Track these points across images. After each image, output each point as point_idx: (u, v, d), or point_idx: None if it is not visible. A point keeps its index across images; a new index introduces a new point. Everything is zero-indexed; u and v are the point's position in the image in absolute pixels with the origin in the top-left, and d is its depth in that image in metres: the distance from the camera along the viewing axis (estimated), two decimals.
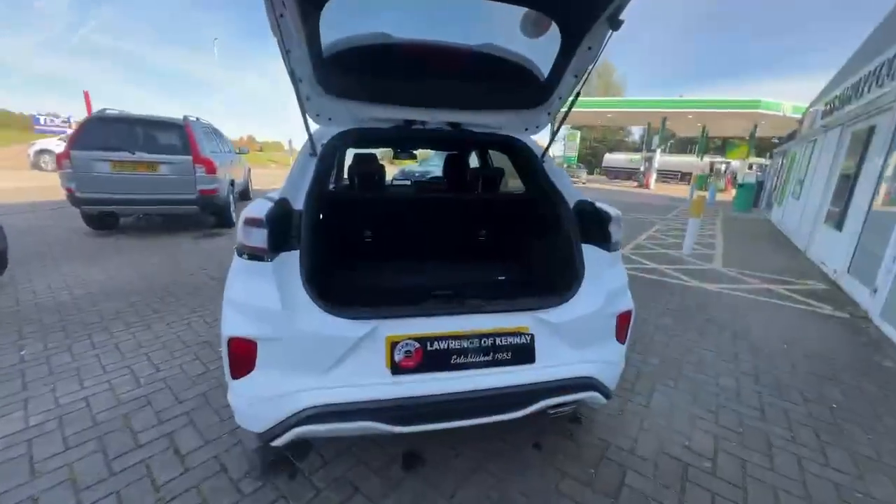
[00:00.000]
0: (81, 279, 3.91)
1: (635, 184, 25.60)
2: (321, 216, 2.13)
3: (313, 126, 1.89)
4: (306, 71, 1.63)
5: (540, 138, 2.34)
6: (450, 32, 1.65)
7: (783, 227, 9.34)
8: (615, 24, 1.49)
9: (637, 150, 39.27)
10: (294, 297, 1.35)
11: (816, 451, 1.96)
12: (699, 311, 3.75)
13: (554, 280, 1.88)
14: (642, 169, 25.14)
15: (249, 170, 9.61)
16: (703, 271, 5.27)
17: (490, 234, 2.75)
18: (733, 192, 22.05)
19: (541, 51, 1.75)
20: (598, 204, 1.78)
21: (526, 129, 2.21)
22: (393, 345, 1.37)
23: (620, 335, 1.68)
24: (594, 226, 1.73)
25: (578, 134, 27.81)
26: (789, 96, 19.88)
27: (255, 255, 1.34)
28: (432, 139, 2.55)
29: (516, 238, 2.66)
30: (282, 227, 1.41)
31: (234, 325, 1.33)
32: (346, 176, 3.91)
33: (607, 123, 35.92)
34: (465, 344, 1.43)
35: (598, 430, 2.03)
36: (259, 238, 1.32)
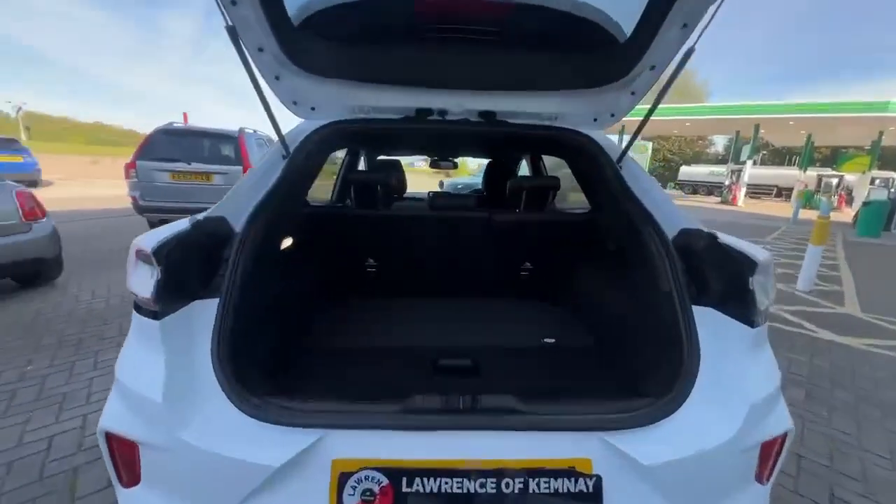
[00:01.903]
0: (124, 288, 3.93)
1: (717, 199, 22.66)
2: (287, 242, 1.61)
3: (291, 120, 1.42)
4: (269, 37, 1.12)
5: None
6: None
7: None
8: None
9: (721, 161, 35.15)
10: (193, 380, 0.86)
11: None
12: (844, 381, 2.66)
13: (640, 370, 1.19)
14: (728, 183, 22.18)
15: None
16: (834, 318, 4.00)
17: (537, 269, 2.08)
18: (847, 210, 18.43)
19: None
20: (725, 238, 1.05)
21: (595, 120, 1.52)
22: (342, 478, 0.80)
23: (764, 471, 0.94)
24: (720, 276, 1.03)
25: (650, 145, 25.31)
26: None
27: (142, 308, 0.87)
28: (455, 137, 1.85)
29: (577, 280, 1.96)
30: (192, 264, 0.93)
31: (110, 414, 0.87)
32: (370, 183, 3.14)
33: (684, 133, 32.54)
34: (474, 485, 0.81)
35: None
36: (143, 282, 0.84)
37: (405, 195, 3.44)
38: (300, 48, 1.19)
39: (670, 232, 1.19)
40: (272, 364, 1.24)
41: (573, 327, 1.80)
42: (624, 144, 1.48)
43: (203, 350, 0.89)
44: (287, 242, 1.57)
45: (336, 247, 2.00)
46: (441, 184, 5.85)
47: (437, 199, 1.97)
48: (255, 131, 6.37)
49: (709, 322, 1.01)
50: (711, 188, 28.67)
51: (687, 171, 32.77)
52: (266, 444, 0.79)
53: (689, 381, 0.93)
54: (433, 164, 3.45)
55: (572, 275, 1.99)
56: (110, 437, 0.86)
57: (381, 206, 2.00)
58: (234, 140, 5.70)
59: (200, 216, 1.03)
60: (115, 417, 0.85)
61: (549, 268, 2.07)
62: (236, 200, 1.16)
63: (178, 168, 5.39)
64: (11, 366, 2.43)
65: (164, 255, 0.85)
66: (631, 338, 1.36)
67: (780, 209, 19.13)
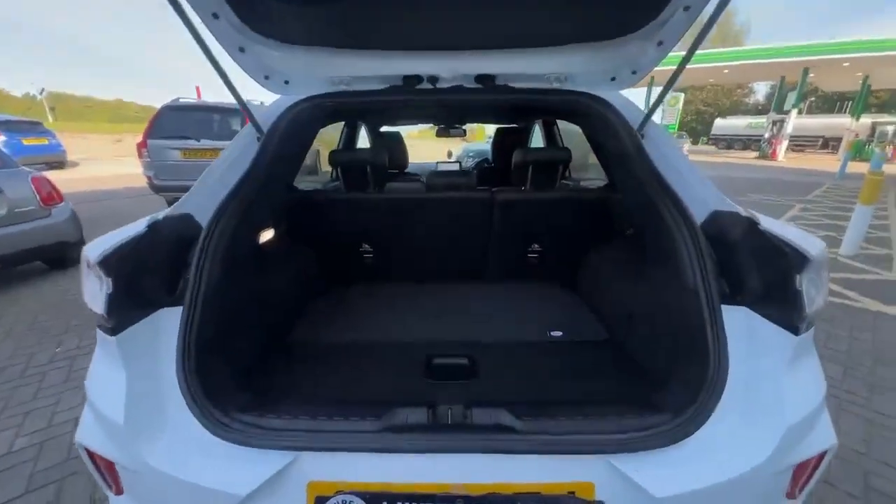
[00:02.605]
0: None
1: (754, 154, 21.06)
2: (269, 234, 1.50)
3: (266, 97, 1.28)
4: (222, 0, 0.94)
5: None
6: None
7: None
8: None
9: (761, 112, 32.31)
10: (158, 398, 0.81)
11: None
12: (889, 357, 2.45)
13: (658, 378, 1.06)
14: (767, 136, 20.48)
15: (318, 152, 9.70)
16: (882, 285, 3.68)
17: (545, 251, 1.92)
18: None
19: None
20: (768, 224, 0.88)
21: (613, 79, 1.28)
22: (318, 502, 0.75)
23: (795, 489, 0.84)
24: (759, 272, 0.87)
25: (682, 97, 23.24)
26: None
27: (100, 323, 0.81)
28: (449, 107, 1.67)
29: (589, 266, 1.81)
30: (153, 270, 0.86)
31: (85, 429, 0.84)
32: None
33: (721, 82, 29.83)
34: None
35: None
36: (94, 295, 0.78)
37: (407, 170, 3.28)
38: (262, 12, 1.02)
39: (700, 214, 1.02)
40: (249, 368, 1.19)
41: (583, 318, 1.67)
42: (653, 99, 1.25)
43: (169, 364, 0.84)
44: (268, 234, 1.49)
45: (326, 234, 1.89)
46: (450, 153, 5.48)
47: (434, 179, 1.82)
48: (261, 103, 6.22)
49: (742, 325, 0.86)
50: (748, 142, 26.64)
51: (721, 125, 30.42)
52: (236, 467, 0.75)
53: (715, 394, 0.81)
54: (440, 133, 3.25)
55: (584, 260, 1.83)
56: (89, 451, 0.84)
57: (373, 188, 1.86)
58: (241, 114, 5.59)
59: (160, 215, 0.94)
60: (89, 434, 0.83)
61: (558, 251, 1.92)
62: (203, 193, 1.06)
63: (188, 146, 5.36)
64: (42, 347, 2.56)
65: (114, 265, 0.77)
66: (647, 339, 1.23)
67: (825, 163, 17.60)
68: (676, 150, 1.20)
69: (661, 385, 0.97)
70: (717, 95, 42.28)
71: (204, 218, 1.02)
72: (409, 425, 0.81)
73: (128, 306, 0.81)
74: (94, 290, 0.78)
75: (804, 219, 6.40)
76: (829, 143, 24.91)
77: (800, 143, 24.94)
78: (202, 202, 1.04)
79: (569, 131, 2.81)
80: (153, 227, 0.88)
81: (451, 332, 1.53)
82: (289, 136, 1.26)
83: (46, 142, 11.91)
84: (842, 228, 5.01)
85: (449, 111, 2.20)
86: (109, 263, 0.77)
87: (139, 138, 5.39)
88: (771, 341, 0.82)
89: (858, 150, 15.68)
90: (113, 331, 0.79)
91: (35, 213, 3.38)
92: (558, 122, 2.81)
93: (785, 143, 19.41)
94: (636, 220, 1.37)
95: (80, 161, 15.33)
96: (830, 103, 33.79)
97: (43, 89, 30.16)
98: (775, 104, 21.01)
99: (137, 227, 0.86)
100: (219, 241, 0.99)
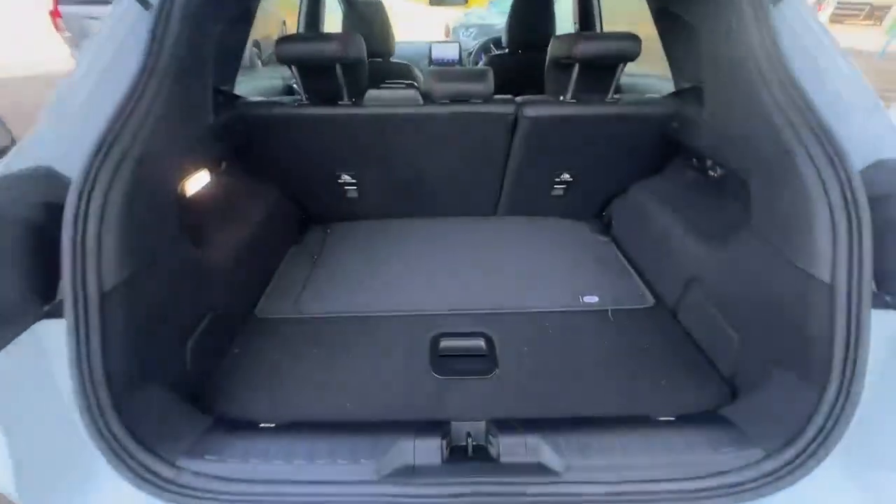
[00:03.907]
0: None
1: None
2: (201, 174, 1.11)
3: None
4: None
5: None
6: None
7: None
8: None
9: None
10: (62, 450, 0.63)
11: None
12: None
13: (744, 395, 0.86)
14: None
15: (284, 22, 7.96)
16: None
17: (578, 182, 1.55)
18: None
19: None
20: None
21: None
22: None
23: None
24: None
25: None
26: None
27: None
28: None
29: (635, 209, 1.49)
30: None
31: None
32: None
33: None
34: None
35: None
36: None
37: (393, 57, 2.58)
38: None
39: (861, 160, 0.68)
40: (200, 375, 0.95)
41: (622, 274, 1.40)
42: None
43: (69, 398, 0.60)
44: (201, 173, 1.10)
45: (291, 164, 1.47)
46: (447, 30, 4.29)
47: (435, 85, 1.33)
48: None
49: (886, 336, 0.62)
50: None
51: None
52: None
53: (835, 431, 0.61)
54: (434, 1, 2.50)
55: (627, 196, 1.49)
56: None
57: (347, 97, 1.37)
58: None
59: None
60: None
61: (595, 182, 1.56)
62: (67, 124, 0.68)
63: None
64: None
65: None
66: (717, 321, 0.99)
67: (865, 37, 15.54)
68: (830, 40, 0.77)
69: (748, 404, 0.78)
70: None
71: (74, 168, 0.66)
72: (418, 468, 0.64)
73: None
74: None
75: None
76: (874, 13, 21.66)
77: (843, 13, 21.69)
78: (66, 141, 0.67)
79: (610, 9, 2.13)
80: None
81: (459, 296, 1.29)
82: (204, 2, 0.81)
83: None
84: None
85: None
86: None
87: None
88: None
89: None
90: None
91: None
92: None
93: (829, 11, 16.84)
94: (732, 156, 1.00)
95: None
96: None
97: None
98: None
99: None
100: (106, 203, 0.66)
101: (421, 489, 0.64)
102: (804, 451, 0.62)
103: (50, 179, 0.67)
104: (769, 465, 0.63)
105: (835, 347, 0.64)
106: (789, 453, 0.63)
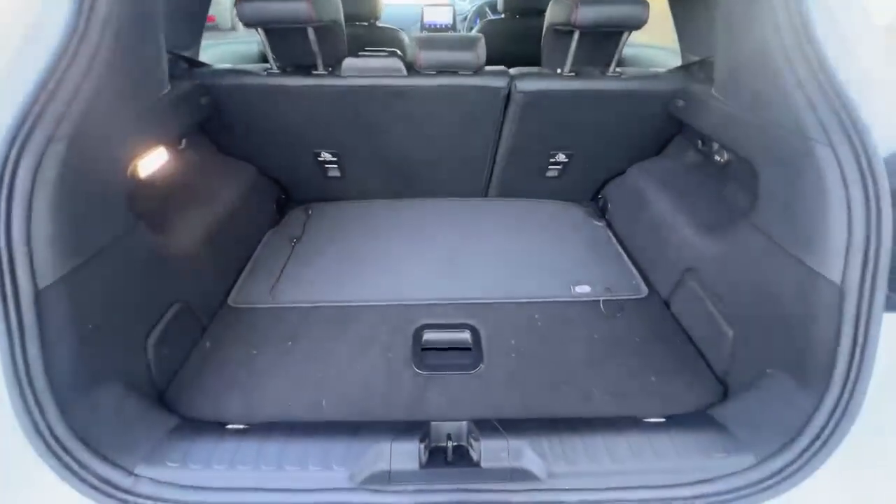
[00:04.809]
0: None
1: None
2: (156, 149, 1.00)
3: None
4: None
5: None
6: None
7: None
8: None
9: None
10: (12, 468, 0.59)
11: None
12: None
13: (725, 371, 0.86)
14: None
15: None
16: None
17: (573, 163, 1.46)
18: None
19: None
20: None
21: None
22: None
23: None
24: None
25: None
26: None
27: None
28: None
29: (634, 192, 1.40)
30: None
31: None
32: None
33: None
34: None
35: None
36: None
37: (380, 22, 2.39)
38: None
39: (883, 147, 0.61)
40: (160, 369, 0.87)
41: (614, 261, 1.33)
42: None
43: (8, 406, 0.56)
44: (158, 153, 1.00)
45: (266, 137, 1.35)
46: None
47: (422, 55, 1.20)
48: None
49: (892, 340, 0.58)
50: None
51: None
52: None
53: (832, 438, 0.58)
54: None
55: (624, 178, 1.42)
56: None
57: (322, 66, 1.24)
58: None
59: None
60: None
61: (593, 163, 1.46)
62: None
63: None
64: None
65: None
66: (711, 317, 0.94)
67: None
68: (864, 12, 0.68)
69: (732, 392, 0.76)
70: None
71: None
72: (394, 473, 0.61)
73: None
74: None
75: None
76: None
77: None
78: None
79: None
80: None
81: (446, 284, 1.22)
82: None
83: None
84: None
85: None
86: None
87: None
88: None
89: None
90: None
91: None
92: None
93: None
94: (741, 139, 0.92)
95: None
96: None
97: None
98: None
99: None
100: (33, 193, 0.58)
101: (396, 497, 0.60)
102: (797, 459, 0.60)
103: None
104: (760, 472, 0.60)
105: (838, 355, 0.59)
106: (782, 461, 0.60)
